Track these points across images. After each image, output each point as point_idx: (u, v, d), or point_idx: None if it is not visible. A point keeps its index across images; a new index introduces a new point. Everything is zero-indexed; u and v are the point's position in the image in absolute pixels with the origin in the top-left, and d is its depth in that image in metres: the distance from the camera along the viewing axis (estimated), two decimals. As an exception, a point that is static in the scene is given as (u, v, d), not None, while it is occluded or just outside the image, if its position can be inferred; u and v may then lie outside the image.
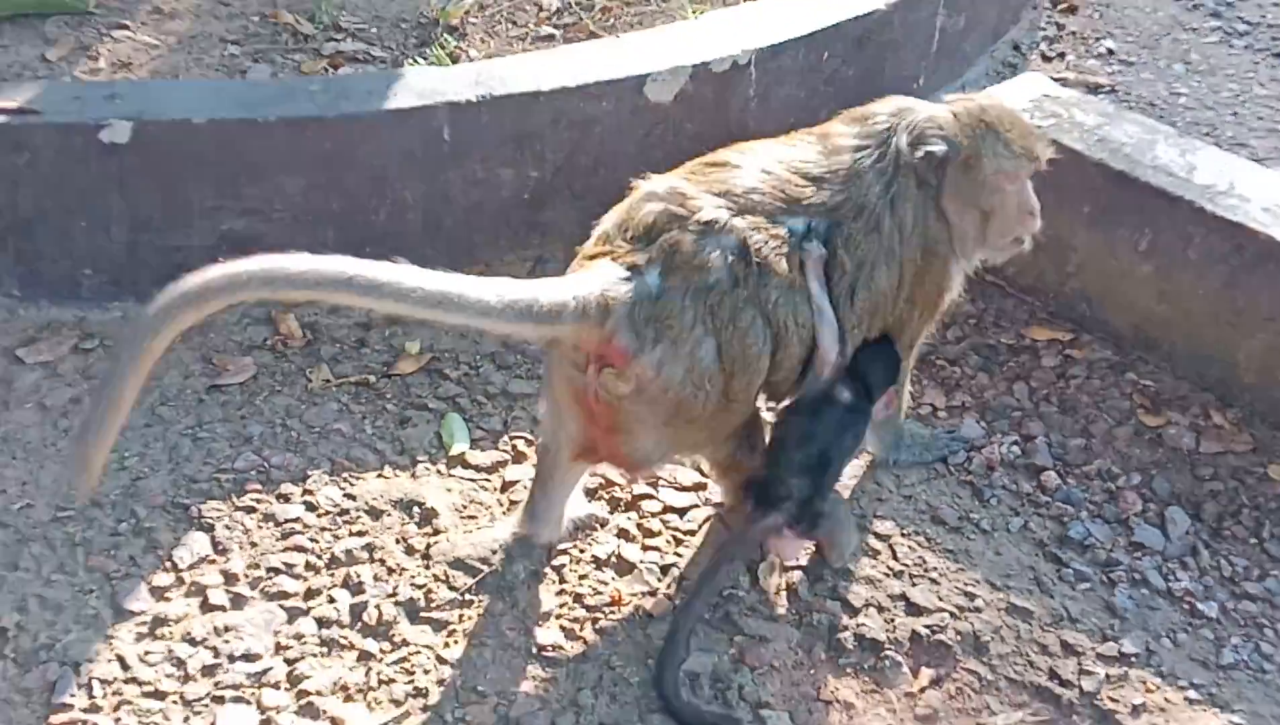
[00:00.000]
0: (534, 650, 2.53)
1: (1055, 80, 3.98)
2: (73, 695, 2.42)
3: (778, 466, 2.55)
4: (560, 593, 2.64)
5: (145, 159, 3.11)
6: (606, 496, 2.85)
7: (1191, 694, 2.50)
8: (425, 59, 3.81)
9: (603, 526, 2.77)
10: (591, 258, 2.44)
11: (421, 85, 3.26)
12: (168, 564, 2.66)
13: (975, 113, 2.60)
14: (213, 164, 3.14)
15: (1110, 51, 4.46)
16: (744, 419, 2.54)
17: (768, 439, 2.59)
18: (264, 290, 2.28)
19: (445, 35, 4.00)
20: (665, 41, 3.51)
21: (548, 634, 2.56)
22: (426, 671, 2.49)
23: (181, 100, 3.16)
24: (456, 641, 2.55)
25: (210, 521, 2.75)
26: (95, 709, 2.41)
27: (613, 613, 2.61)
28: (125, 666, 2.48)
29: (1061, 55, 4.45)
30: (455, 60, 3.88)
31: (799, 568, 2.68)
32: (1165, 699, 2.48)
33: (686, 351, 2.37)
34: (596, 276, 2.37)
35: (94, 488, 2.40)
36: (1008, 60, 4.46)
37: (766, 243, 2.44)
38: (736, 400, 2.46)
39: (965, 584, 2.68)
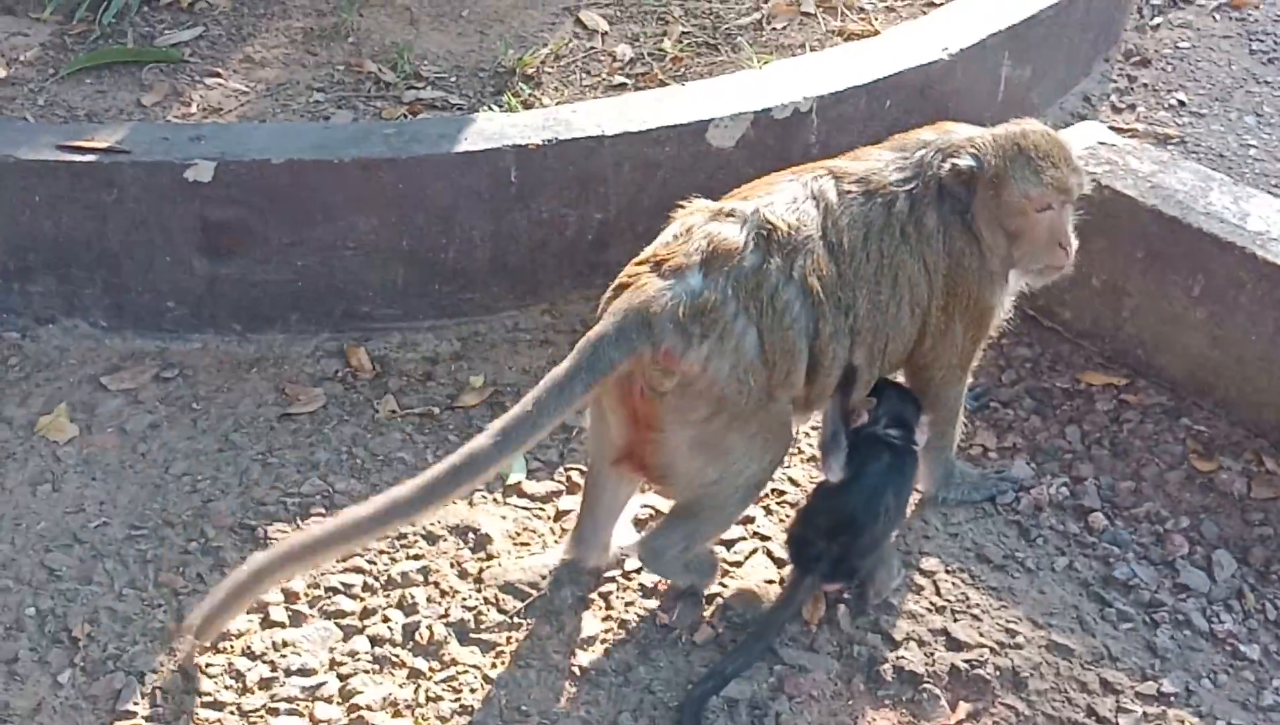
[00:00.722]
0: (577, 673, 2.60)
1: (1121, 130, 4.02)
2: (136, 703, 2.54)
3: (807, 527, 2.65)
4: (606, 618, 2.71)
5: (226, 197, 3.26)
6: (656, 528, 2.91)
7: (1230, 735, 2.50)
8: (500, 106, 3.94)
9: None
10: (634, 276, 2.56)
11: (490, 129, 3.38)
12: (232, 582, 2.77)
13: (1014, 136, 2.68)
14: (289, 202, 3.29)
15: (1181, 103, 4.47)
16: (781, 432, 2.59)
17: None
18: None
19: (520, 84, 4.13)
20: (729, 89, 3.60)
21: (591, 658, 2.63)
22: (473, 690, 2.57)
23: (261, 142, 3.32)
24: (503, 662, 2.63)
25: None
26: (157, 717, 2.52)
27: (657, 639, 2.67)
28: (187, 677, 2.59)
29: (1132, 107, 4.47)
30: (529, 107, 4.01)
31: (841, 600, 2.71)
32: (1203, 739, 2.49)
33: (732, 345, 2.48)
34: (639, 297, 2.48)
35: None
36: (1077, 111, 4.49)
37: (795, 220, 2.56)
38: (776, 398, 2.53)
39: (1007, 621, 2.70)
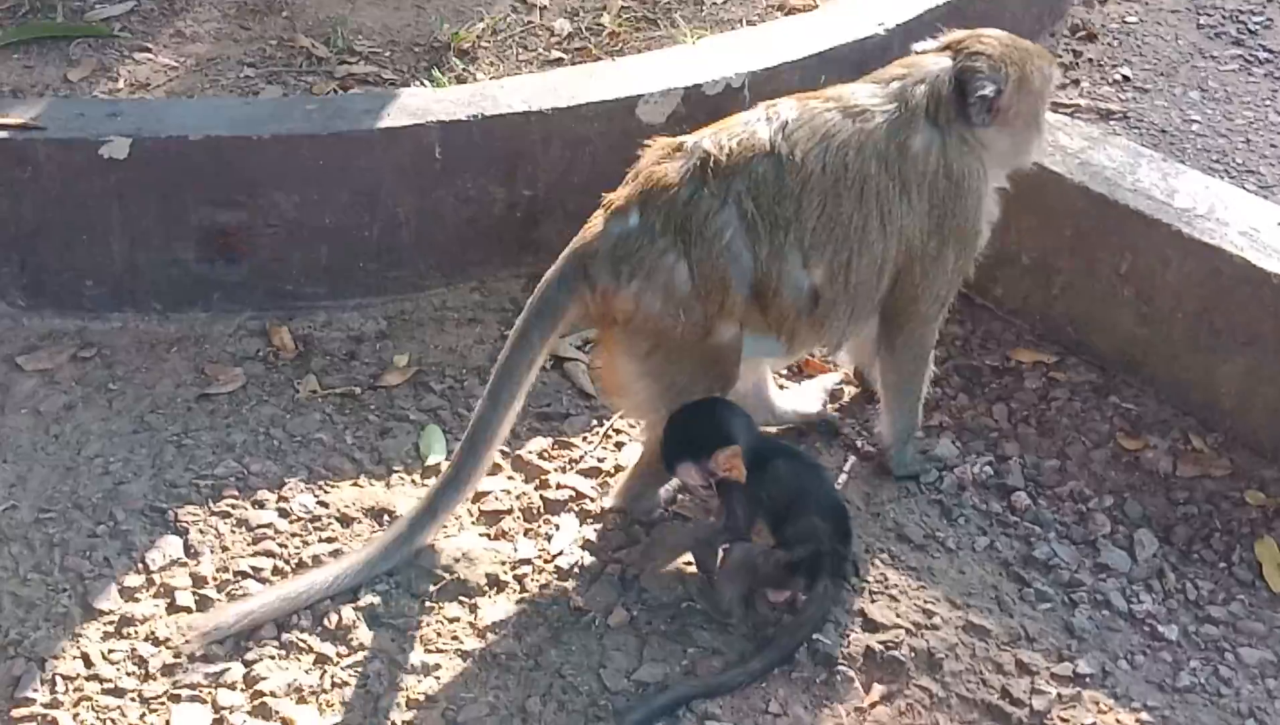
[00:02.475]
0: (488, 657, 2.56)
1: (1064, 106, 3.99)
2: (35, 690, 2.49)
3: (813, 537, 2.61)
4: (520, 600, 2.67)
5: (143, 174, 3.20)
6: (576, 508, 2.87)
7: (1144, 716, 2.47)
8: (432, 82, 3.88)
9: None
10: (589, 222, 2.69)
11: (414, 105, 3.33)
12: (140, 566, 2.73)
13: (1001, 40, 2.75)
14: (208, 179, 3.23)
15: (1126, 78, 4.43)
16: (724, 365, 2.66)
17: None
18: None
19: (455, 59, 4.07)
20: (660, 64, 3.56)
21: (502, 641, 2.59)
22: (380, 676, 2.53)
23: (179, 118, 3.26)
24: (413, 647, 2.58)
25: (185, 526, 2.81)
26: (56, 704, 2.47)
27: (570, 622, 2.63)
28: (89, 664, 2.54)
29: (1076, 82, 4.43)
30: (462, 83, 3.95)
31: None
32: (1117, 720, 2.46)
33: (661, 281, 2.56)
34: (579, 241, 2.65)
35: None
36: (1020, 87, 4.44)
37: (738, 144, 2.60)
38: (716, 330, 2.59)
39: (925, 602, 2.67)
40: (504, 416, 2.66)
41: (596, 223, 2.65)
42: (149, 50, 4.07)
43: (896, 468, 2.91)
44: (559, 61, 4.08)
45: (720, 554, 2.61)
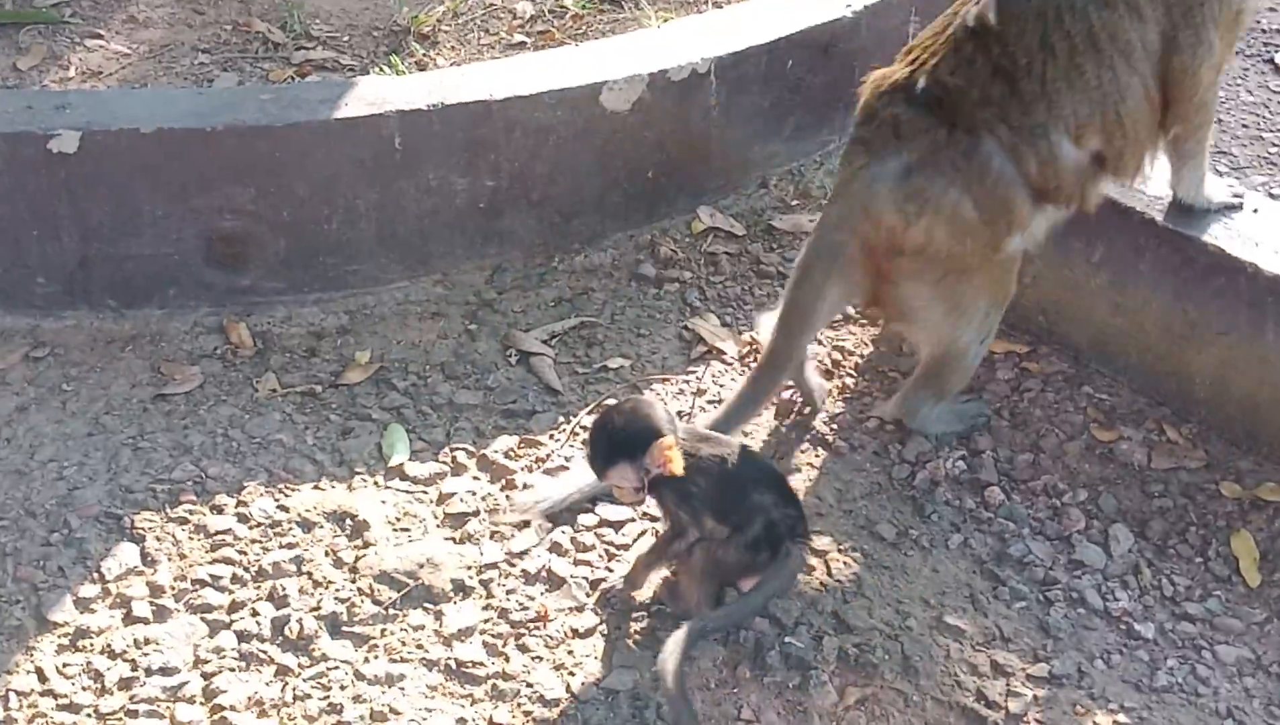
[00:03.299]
0: (454, 666, 2.51)
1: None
2: (-13, 707, 2.42)
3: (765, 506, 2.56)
4: (486, 607, 2.62)
5: (94, 169, 3.11)
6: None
7: (1121, 717, 2.44)
8: (391, 68, 3.80)
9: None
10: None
11: (372, 94, 3.24)
12: (95, 575, 2.66)
13: None
14: (161, 173, 3.14)
15: (1096, 57, 4.37)
16: (1007, 278, 2.85)
17: None
18: None
19: (415, 44, 3.99)
20: (624, 49, 3.48)
21: (469, 650, 2.53)
22: (343, 687, 2.47)
23: (131, 109, 3.16)
24: (376, 657, 2.53)
25: (142, 533, 2.74)
26: (9, 721, 2.40)
27: (538, 628, 2.58)
28: (43, 679, 2.47)
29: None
30: (423, 68, 3.87)
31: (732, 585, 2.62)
32: (1094, 722, 2.43)
33: (947, 215, 2.70)
34: (854, 187, 2.79)
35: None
36: (990, 66, 4.39)
37: (962, 79, 2.70)
38: (1001, 247, 2.77)
39: (899, 602, 2.63)
40: (797, 343, 2.85)
41: (860, 159, 2.78)
42: (100, 37, 3.97)
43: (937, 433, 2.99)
44: (521, 45, 4.01)
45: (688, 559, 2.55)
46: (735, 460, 2.55)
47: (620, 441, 2.48)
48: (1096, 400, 3.05)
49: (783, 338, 2.83)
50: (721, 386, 3.12)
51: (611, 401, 2.87)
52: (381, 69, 3.82)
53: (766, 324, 2.94)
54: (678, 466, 2.44)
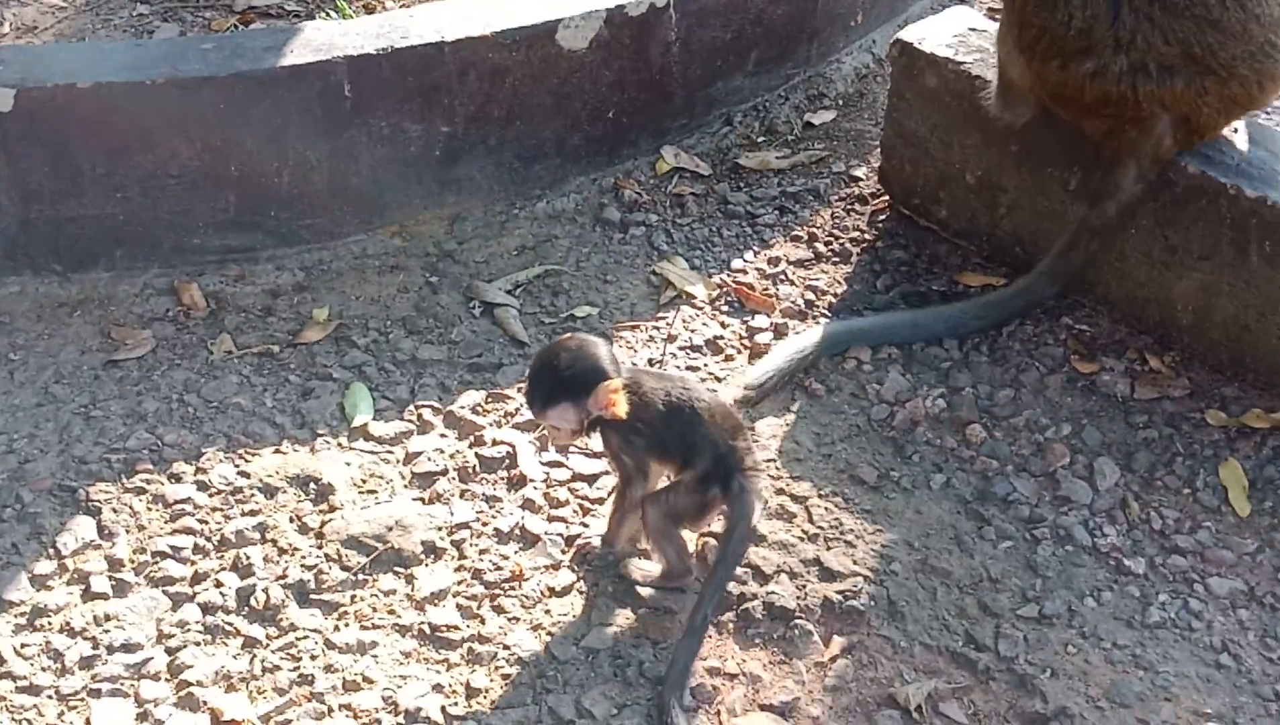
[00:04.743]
0: (428, 631, 2.43)
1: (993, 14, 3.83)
2: (-57, 692, 2.32)
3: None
4: (459, 568, 2.53)
5: (31, 127, 2.98)
6: (513, 466, 2.73)
7: (1115, 655, 2.38)
8: (338, 13, 3.67)
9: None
10: None
11: (319, 40, 3.11)
12: (50, 551, 2.56)
13: None
14: (102, 130, 3.01)
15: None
16: None
17: None
18: None
19: (363, -14, 3.85)
20: (579, -14, 3.35)
21: (443, 614, 2.45)
22: (314, 657, 2.39)
23: (66, 64, 3.02)
24: (347, 624, 2.44)
25: (98, 504, 2.64)
26: (-34, 706, 2.31)
27: (513, 588, 2.50)
28: (0, 661, 2.37)
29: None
30: (371, 12, 3.74)
31: (710, 534, 2.55)
32: (1086, 661, 2.37)
33: None
34: None
35: None
36: (955, -8, 4.29)
37: None
38: None
39: (882, 546, 2.56)
40: None
41: None
42: (34, -10, 3.82)
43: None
44: (473, -15, 3.87)
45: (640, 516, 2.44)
46: (680, 394, 2.42)
47: (564, 381, 2.34)
48: (1076, 331, 2.98)
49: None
50: (692, 331, 3.04)
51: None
52: (328, 14, 3.69)
53: None
54: (621, 410, 2.32)
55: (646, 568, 2.50)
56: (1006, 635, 2.41)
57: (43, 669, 2.37)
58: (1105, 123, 2.72)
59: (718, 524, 2.48)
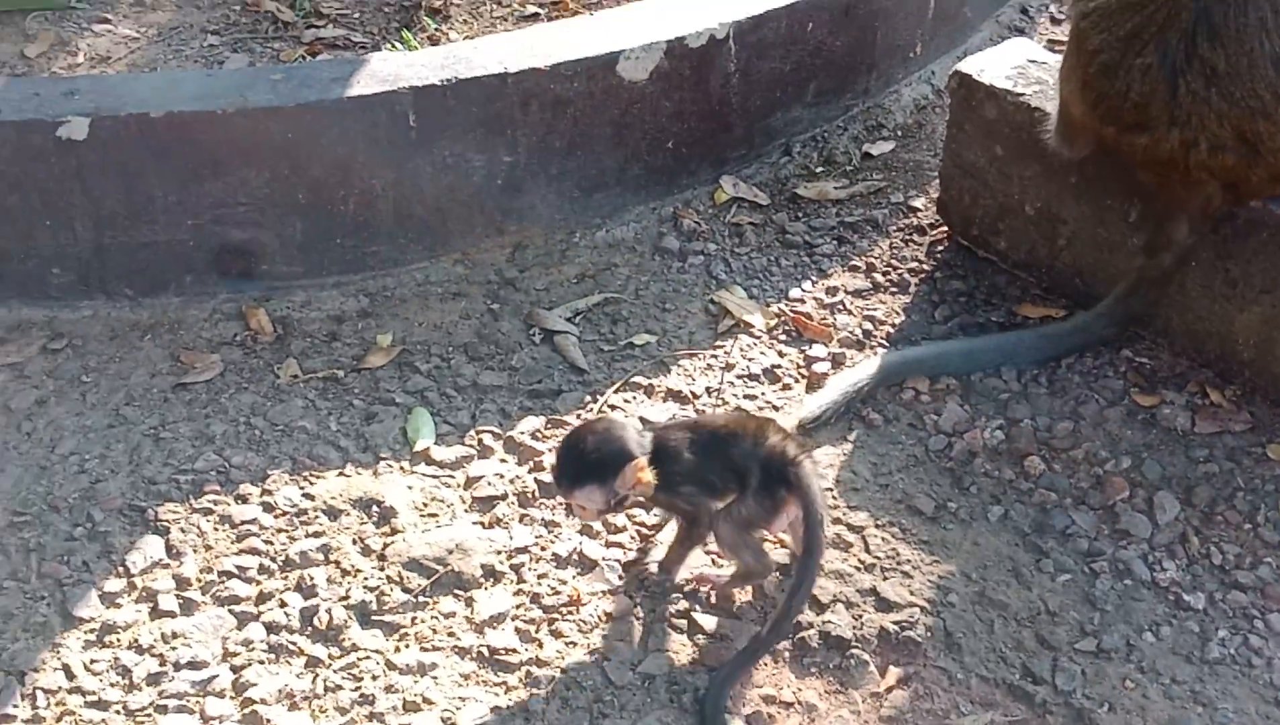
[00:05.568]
0: (486, 654, 2.46)
1: (1059, 45, 3.84)
2: (15, 706, 2.37)
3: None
4: (518, 592, 2.56)
5: (105, 155, 3.05)
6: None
7: (1173, 690, 2.37)
8: (404, 44, 3.73)
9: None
10: None
11: (385, 70, 3.17)
12: (120, 569, 2.61)
13: None
14: (173, 158, 3.08)
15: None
16: None
17: None
18: None
19: (427, 18, 3.92)
20: (640, 17, 3.40)
21: (501, 637, 2.48)
22: (374, 678, 2.42)
23: (139, 93, 3.10)
24: (407, 645, 2.48)
25: (166, 524, 2.69)
26: (38, 719, 2.36)
27: (570, 613, 2.52)
28: (70, 675, 2.43)
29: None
30: (435, 44, 3.81)
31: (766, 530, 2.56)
32: (1144, 696, 2.36)
33: None
34: None
35: None
36: (1014, 24, 4.31)
37: None
38: None
39: (939, 577, 2.57)
40: None
41: None
42: (109, 21, 3.92)
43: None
44: (534, 17, 3.94)
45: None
46: (699, 430, 2.47)
47: (591, 464, 2.40)
48: (1137, 364, 2.98)
49: None
50: (750, 360, 3.06)
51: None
52: (393, 45, 3.76)
53: None
54: (649, 484, 2.38)
55: (719, 574, 2.52)
56: (1064, 669, 2.40)
57: (111, 684, 2.42)
58: (1157, 178, 2.73)
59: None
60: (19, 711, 2.37)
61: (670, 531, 2.60)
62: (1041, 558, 2.60)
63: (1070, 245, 3.07)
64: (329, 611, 2.52)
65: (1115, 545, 2.62)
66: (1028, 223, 3.13)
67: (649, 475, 2.37)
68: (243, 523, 2.70)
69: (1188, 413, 2.86)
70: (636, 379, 3.01)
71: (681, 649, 2.44)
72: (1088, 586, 2.55)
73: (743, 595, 2.53)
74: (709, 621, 2.49)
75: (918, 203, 3.53)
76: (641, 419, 2.51)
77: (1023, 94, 3.03)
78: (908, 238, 3.42)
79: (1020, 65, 3.11)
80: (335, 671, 2.43)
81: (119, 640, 2.49)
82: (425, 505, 2.74)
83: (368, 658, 2.45)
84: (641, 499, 2.45)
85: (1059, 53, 2.97)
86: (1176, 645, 2.45)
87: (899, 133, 3.82)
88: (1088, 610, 2.51)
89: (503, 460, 2.83)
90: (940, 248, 3.35)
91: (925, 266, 3.31)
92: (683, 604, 2.52)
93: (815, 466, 2.48)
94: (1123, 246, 2.96)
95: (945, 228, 3.36)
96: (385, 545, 2.65)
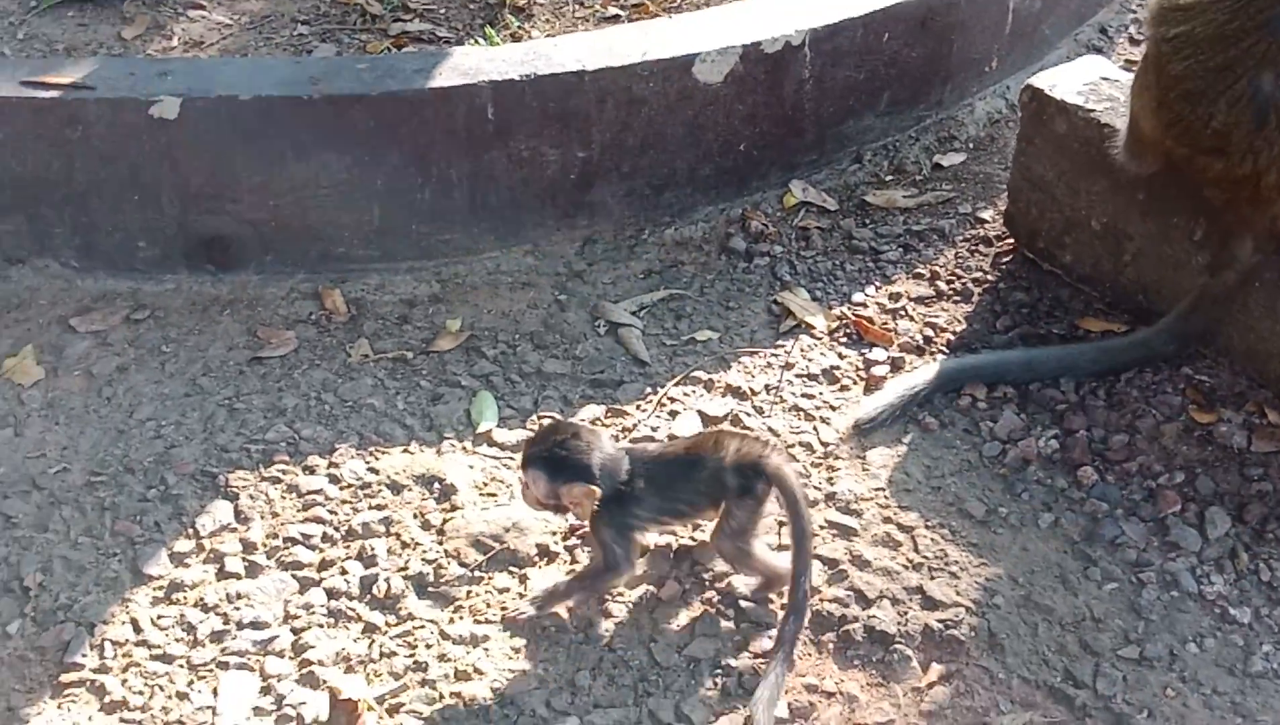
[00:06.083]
0: (537, 629, 2.52)
1: (1135, 65, 3.85)
2: (84, 655, 2.47)
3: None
4: (570, 572, 2.62)
5: (194, 135, 3.16)
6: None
7: (1214, 700, 2.39)
8: (486, 40, 3.82)
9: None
10: None
11: (466, 64, 3.26)
12: (190, 531, 2.71)
13: None
14: (259, 140, 3.19)
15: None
16: None
17: None
18: None
19: (510, 16, 4.00)
20: (717, 21, 3.47)
21: (552, 614, 2.54)
22: (429, 646, 2.50)
23: (229, 77, 3.21)
24: (461, 617, 2.55)
25: (236, 490, 2.79)
26: (104, 669, 2.46)
27: (620, 595, 2.58)
28: (138, 629, 2.53)
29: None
30: (518, 40, 3.89)
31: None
32: (1184, 705, 2.38)
33: None
34: None
35: None
36: (1092, 43, 4.32)
37: None
38: None
39: (986, 579, 2.60)
40: None
41: None
42: (202, 7, 4.03)
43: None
44: (615, 18, 4.01)
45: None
46: (662, 454, 2.54)
47: (552, 457, 2.44)
48: (1196, 381, 2.99)
49: None
50: (810, 360, 3.11)
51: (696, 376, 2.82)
52: (476, 40, 3.84)
53: None
54: (586, 514, 2.45)
55: (747, 583, 2.57)
56: (1106, 674, 2.42)
57: (176, 640, 2.52)
58: (1225, 196, 2.75)
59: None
60: (87, 661, 2.47)
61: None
62: (1089, 565, 2.62)
63: (1135, 261, 3.08)
64: (388, 581, 2.60)
65: (1164, 557, 2.64)
66: (1093, 237, 3.15)
67: (588, 508, 2.43)
68: (309, 492, 2.79)
69: (1244, 431, 2.87)
70: (697, 373, 3.06)
71: (727, 634, 2.49)
72: (1134, 596, 2.57)
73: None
74: (755, 610, 2.53)
75: (985, 214, 3.56)
76: (628, 449, 2.55)
77: (1093, 110, 3.05)
78: (973, 248, 3.45)
79: (1093, 82, 3.13)
80: (391, 638, 2.51)
81: (185, 598, 2.59)
82: (485, 484, 2.81)
83: (423, 627, 2.53)
84: (581, 517, 2.51)
85: (1134, 71, 2.99)
86: (1220, 657, 2.47)
87: (970, 145, 3.85)
88: (1133, 619, 2.53)
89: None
90: (1005, 259, 3.38)
91: (989, 277, 3.34)
92: (730, 590, 2.56)
93: (784, 454, 2.58)
94: (1187, 264, 2.98)
95: (1011, 240, 3.39)
96: (445, 521, 2.72)
